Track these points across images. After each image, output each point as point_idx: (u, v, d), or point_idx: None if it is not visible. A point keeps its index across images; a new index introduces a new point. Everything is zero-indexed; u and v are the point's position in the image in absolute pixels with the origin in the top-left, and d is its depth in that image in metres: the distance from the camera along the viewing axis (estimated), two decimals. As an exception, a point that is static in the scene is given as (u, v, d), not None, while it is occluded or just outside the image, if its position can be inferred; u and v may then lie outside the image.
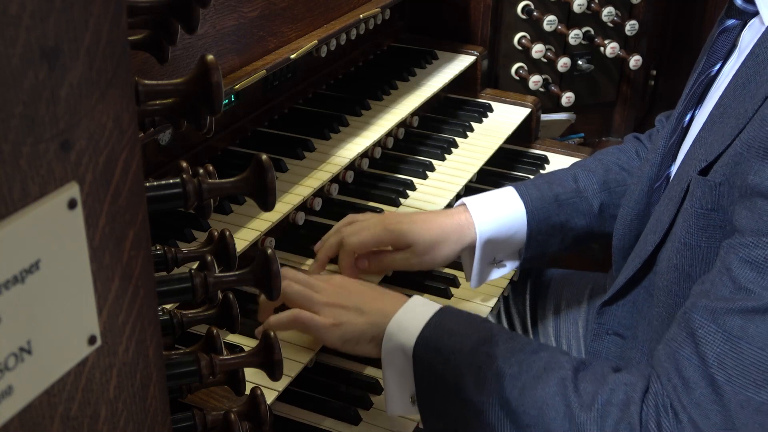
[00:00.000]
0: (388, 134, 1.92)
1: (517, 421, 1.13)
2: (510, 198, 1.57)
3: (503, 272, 1.60)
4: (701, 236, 1.15)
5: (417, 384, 1.23)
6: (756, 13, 1.23)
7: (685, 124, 1.36)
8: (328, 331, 1.31)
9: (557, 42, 2.44)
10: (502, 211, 1.55)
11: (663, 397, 1.06)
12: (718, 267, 1.07)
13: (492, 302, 1.64)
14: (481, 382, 1.16)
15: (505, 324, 1.78)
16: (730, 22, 1.29)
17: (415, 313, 1.27)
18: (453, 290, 1.66)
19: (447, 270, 1.69)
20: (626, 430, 1.06)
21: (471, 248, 1.54)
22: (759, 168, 1.03)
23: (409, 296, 1.33)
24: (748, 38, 1.25)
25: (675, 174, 1.29)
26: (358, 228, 1.50)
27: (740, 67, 1.19)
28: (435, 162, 1.93)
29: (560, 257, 2.10)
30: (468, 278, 1.58)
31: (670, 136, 1.40)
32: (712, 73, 1.32)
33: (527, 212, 1.55)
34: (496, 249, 1.56)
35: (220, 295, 0.98)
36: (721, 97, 1.21)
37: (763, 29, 1.17)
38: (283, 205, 1.53)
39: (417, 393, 1.23)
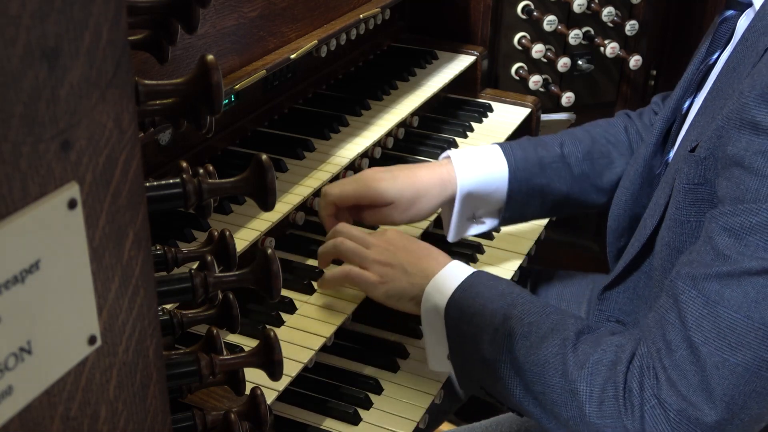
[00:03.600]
0: (388, 134, 1.92)
1: (524, 377, 1.21)
2: (495, 155, 1.59)
3: (482, 229, 1.64)
4: (690, 211, 1.19)
5: (449, 342, 1.32)
6: (751, 4, 1.28)
7: (683, 111, 1.39)
8: (375, 288, 1.40)
9: (557, 42, 2.44)
10: (485, 167, 1.58)
11: (647, 359, 1.11)
12: (702, 237, 1.11)
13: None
14: (496, 342, 1.24)
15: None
16: (729, 12, 1.32)
17: (450, 276, 1.35)
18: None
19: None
20: (612, 387, 1.12)
21: (451, 201, 1.57)
22: (736, 138, 1.07)
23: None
24: (742, 27, 1.29)
25: (671, 159, 1.34)
26: (340, 181, 1.55)
27: (731, 52, 1.25)
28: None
29: (560, 257, 2.10)
30: (446, 231, 1.62)
31: (668, 121, 1.43)
32: (711, 62, 1.35)
33: (509, 171, 1.58)
34: (475, 204, 1.60)
35: (220, 295, 0.98)
36: (714, 81, 1.26)
37: None
38: (283, 205, 1.53)
39: (450, 352, 1.32)
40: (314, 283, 1.50)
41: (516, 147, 1.62)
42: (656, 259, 1.28)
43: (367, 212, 1.55)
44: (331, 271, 1.45)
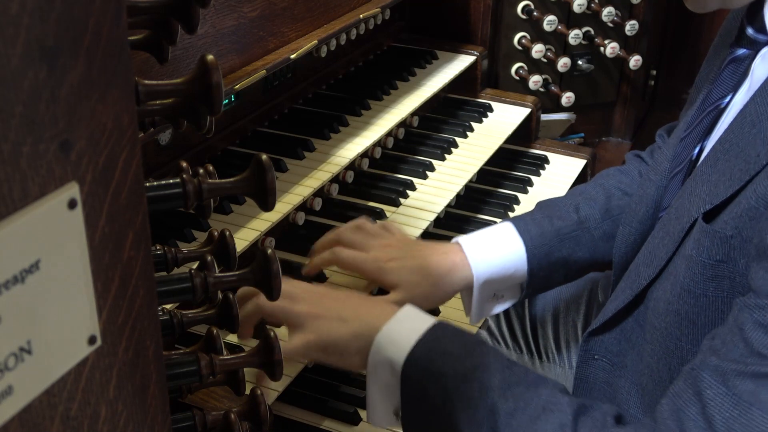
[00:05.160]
0: (388, 134, 1.92)
1: None
2: (508, 236, 1.51)
3: (504, 307, 1.55)
4: (708, 286, 1.11)
5: (403, 402, 1.18)
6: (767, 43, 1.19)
7: (693, 157, 1.31)
8: (309, 348, 1.24)
9: (557, 42, 2.44)
10: (500, 251, 1.49)
11: None
12: (730, 325, 1.02)
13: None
14: (473, 415, 1.10)
15: (504, 328, 1.78)
16: (741, 51, 1.23)
17: (406, 326, 1.20)
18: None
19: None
20: None
21: (469, 288, 1.48)
22: None
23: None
24: (762, 69, 1.19)
25: (674, 207, 1.23)
26: (355, 251, 1.45)
27: (749, 102, 1.13)
28: (435, 162, 1.93)
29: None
30: (467, 314, 1.53)
31: (674, 165, 1.35)
32: (722, 105, 1.26)
33: (527, 250, 1.49)
34: (495, 287, 1.51)
35: (220, 295, 0.98)
36: (725, 131, 1.16)
37: None
38: (283, 205, 1.53)
39: (402, 410, 1.18)
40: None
41: (530, 222, 1.53)
42: (657, 319, 1.20)
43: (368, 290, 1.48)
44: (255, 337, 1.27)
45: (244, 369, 0.98)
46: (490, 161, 1.99)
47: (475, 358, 1.14)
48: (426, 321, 1.20)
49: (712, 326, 1.11)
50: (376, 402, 1.22)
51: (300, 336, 1.23)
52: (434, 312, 1.60)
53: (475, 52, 2.23)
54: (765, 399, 0.94)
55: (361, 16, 1.85)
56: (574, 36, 2.41)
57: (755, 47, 1.21)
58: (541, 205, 1.61)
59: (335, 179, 1.74)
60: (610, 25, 2.46)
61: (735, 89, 1.25)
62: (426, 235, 1.70)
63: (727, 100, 1.26)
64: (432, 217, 1.73)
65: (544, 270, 1.51)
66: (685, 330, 1.14)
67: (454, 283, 1.45)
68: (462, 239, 1.49)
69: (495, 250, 1.49)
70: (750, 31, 1.21)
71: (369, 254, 1.44)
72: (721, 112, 1.27)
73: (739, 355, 0.98)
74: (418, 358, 1.16)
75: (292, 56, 1.62)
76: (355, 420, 1.35)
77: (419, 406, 1.16)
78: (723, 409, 0.96)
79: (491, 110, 2.20)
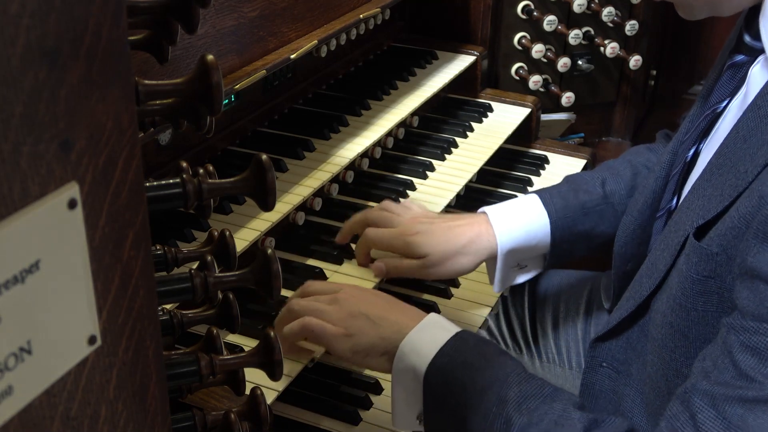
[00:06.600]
0: (388, 134, 1.92)
1: None
2: (533, 207, 1.56)
3: (528, 276, 1.60)
4: (697, 300, 1.13)
5: (425, 408, 1.22)
6: (763, 51, 1.19)
7: (688, 159, 1.33)
8: (338, 341, 1.28)
9: (557, 42, 2.44)
10: (524, 222, 1.54)
11: None
12: (719, 346, 1.04)
13: (492, 303, 1.64)
14: (490, 427, 1.13)
15: (504, 328, 1.78)
16: (739, 57, 1.24)
17: (430, 335, 1.24)
18: (453, 290, 1.66)
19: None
20: None
21: (493, 257, 1.54)
22: (759, 250, 1.00)
23: (426, 310, 1.32)
24: (758, 77, 1.20)
25: (674, 219, 1.25)
26: (384, 225, 1.54)
27: (742, 116, 1.15)
28: (435, 162, 1.93)
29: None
30: (491, 282, 1.58)
31: (670, 167, 1.37)
32: (719, 109, 1.27)
33: (551, 222, 1.54)
34: (519, 257, 1.56)
35: (220, 295, 0.98)
36: (721, 145, 1.17)
37: None
38: (283, 205, 1.53)
39: (424, 416, 1.23)
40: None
41: (555, 195, 1.58)
42: (655, 329, 1.22)
43: (401, 264, 1.52)
44: (289, 324, 1.32)
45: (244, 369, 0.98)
46: (490, 161, 1.99)
47: (495, 370, 1.18)
48: (448, 331, 1.24)
49: (703, 340, 1.13)
50: (401, 406, 1.26)
51: (331, 327, 1.29)
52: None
53: (475, 52, 2.23)
54: (752, 423, 0.97)
55: (361, 16, 1.85)
56: (574, 36, 2.41)
57: (753, 54, 1.21)
58: (569, 179, 1.66)
59: (335, 179, 1.74)
60: (610, 25, 2.46)
61: (732, 95, 1.25)
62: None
63: (724, 104, 1.27)
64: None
65: (567, 242, 1.56)
66: (678, 343, 1.16)
67: (479, 251, 1.51)
68: (488, 209, 1.56)
69: (519, 220, 1.54)
70: (747, 38, 1.22)
71: (396, 229, 1.52)
72: (718, 116, 1.28)
73: (729, 378, 1.00)
74: (439, 368, 1.20)
75: (292, 56, 1.62)
76: (355, 420, 1.35)
77: (440, 414, 1.20)
78: None
79: (491, 110, 2.20)
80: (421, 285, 1.65)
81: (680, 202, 1.30)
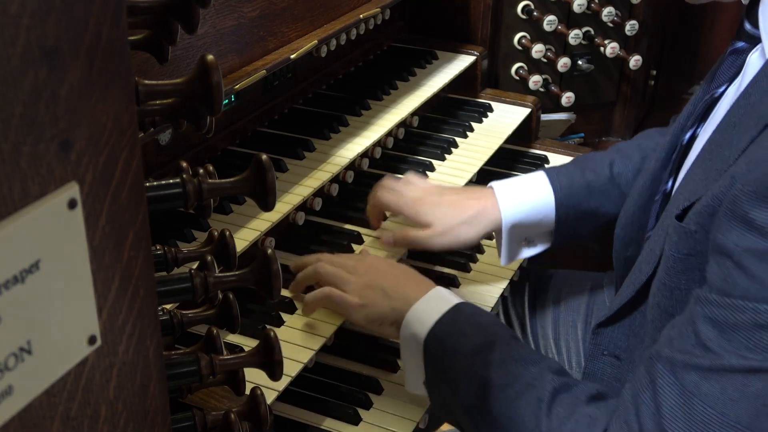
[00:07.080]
0: (388, 134, 1.92)
1: (495, 430, 1.19)
2: (539, 184, 1.60)
3: (535, 251, 1.65)
4: (680, 279, 1.15)
5: (427, 375, 1.30)
6: (760, 40, 1.19)
7: (684, 142, 1.34)
8: (354, 311, 1.39)
9: (557, 42, 2.44)
10: (529, 198, 1.59)
11: None
12: (685, 316, 1.08)
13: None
14: (473, 387, 1.22)
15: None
16: (740, 44, 1.25)
17: (431, 306, 1.32)
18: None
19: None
20: None
21: (499, 230, 1.59)
22: (726, 227, 1.03)
23: (436, 283, 1.40)
24: (755, 65, 1.21)
25: (670, 204, 1.27)
26: (397, 191, 1.61)
27: (734, 103, 1.16)
28: (435, 162, 1.93)
29: (559, 257, 2.10)
30: (499, 255, 1.63)
31: (669, 150, 1.39)
32: (717, 94, 1.29)
33: (555, 199, 1.58)
34: (524, 232, 1.61)
35: (220, 295, 0.98)
36: (714, 131, 1.19)
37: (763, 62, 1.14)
38: (283, 205, 1.53)
39: (426, 383, 1.31)
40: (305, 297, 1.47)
41: (562, 173, 1.62)
42: (649, 312, 1.25)
43: (407, 233, 1.59)
44: (312, 293, 1.44)
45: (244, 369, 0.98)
46: (490, 161, 1.99)
47: (485, 337, 1.26)
48: (449, 302, 1.33)
49: None
50: (410, 371, 1.35)
51: (350, 297, 1.39)
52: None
53: (475, 52, 2.23)
54: (706, 390, 1.01)
55: (361, 16, 1.85)
56: (574, 36, 2.41)
57: (753, 42, 1.23)
58: (578, 159, 1.71)
59: (335, 179, 1.74)
60: (610, 25, 2.46)
61: (731, 80, 1.27)
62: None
63: (721, 89, 1.28)
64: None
65: (572, 220, 1.60)
66: (665, 323, 1.17)
67: (483, 224, 1.58)
68: (495, 184, 1.61)
69: (525, 196, 1.59)
70: (747, 25, 1.23)
71: (407, 196, 1.61)
72: (716, 100, 1.30)
73: (689, 347, 1.05)
74: (436, 336, 1.29)
75: (292, 56, 1.62)
76: (356, 420, 1.35)
77: (437, 378, 1.29)
78: (670, 398, 1.04)
79: (491, 110, 2.19)
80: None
81: (675, 185, 1.32)
